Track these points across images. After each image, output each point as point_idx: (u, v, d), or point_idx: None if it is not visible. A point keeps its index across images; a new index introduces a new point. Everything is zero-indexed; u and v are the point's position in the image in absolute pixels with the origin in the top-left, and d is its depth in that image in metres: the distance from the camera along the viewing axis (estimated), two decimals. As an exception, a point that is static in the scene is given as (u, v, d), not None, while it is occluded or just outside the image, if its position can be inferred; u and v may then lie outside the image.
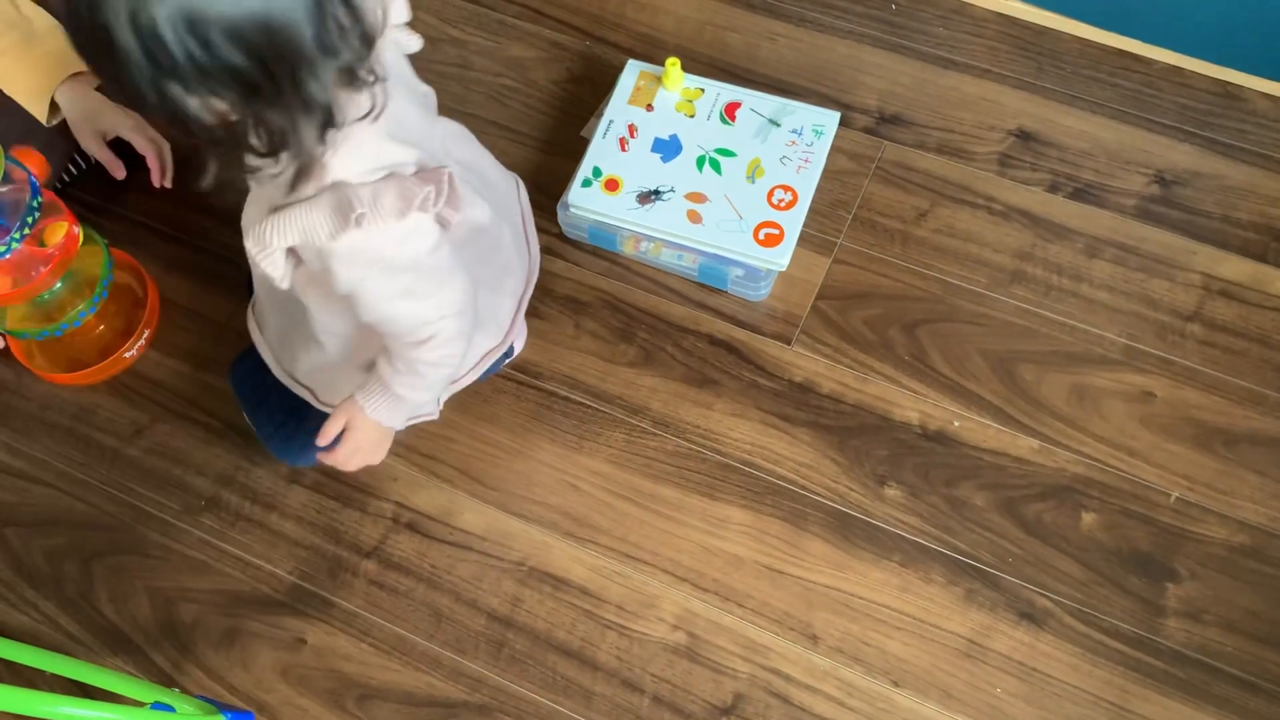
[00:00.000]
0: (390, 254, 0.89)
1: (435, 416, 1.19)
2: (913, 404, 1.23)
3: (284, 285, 0.93)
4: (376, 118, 0.84)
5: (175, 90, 0.73)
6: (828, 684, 1.10)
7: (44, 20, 1.23)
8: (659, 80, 1.36)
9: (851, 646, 1.12)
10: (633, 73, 1.38)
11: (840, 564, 1.15)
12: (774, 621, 1.13)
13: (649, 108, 1.35)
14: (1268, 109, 1.37)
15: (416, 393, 1.02)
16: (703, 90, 1.36)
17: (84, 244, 1.22)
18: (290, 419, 1.17)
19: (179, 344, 1.33)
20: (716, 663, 1.12)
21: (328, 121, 0.79)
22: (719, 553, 1.17)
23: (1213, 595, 1.12)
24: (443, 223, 0.93)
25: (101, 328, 1.31)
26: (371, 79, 0.81)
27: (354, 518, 1.21)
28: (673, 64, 1.34)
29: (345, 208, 0.84)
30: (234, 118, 0.77)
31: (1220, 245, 1.29)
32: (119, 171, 1.33)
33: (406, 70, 0.98)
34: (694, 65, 1.43)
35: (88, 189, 1.40)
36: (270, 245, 0.86)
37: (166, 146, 1.33)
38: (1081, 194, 1.33)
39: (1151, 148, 1.35)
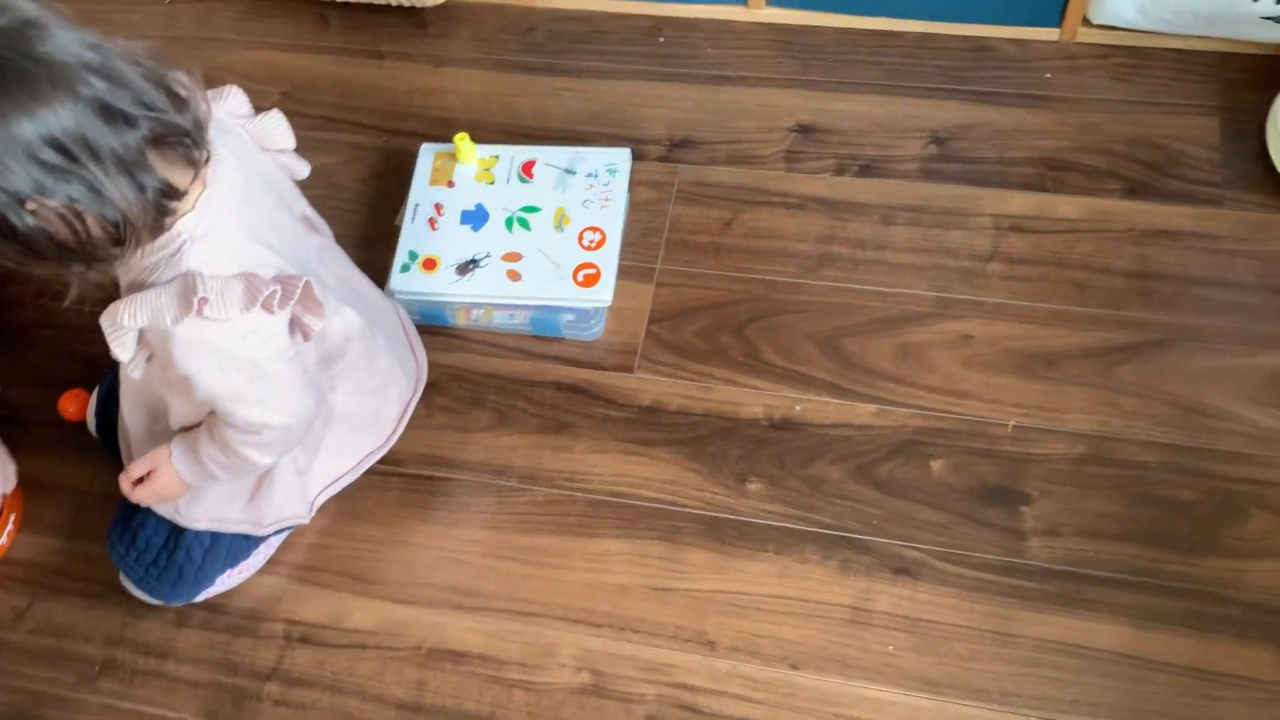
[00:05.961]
0: (228, 349, 0.93)
1: (305, 520, 1.21)
2: (755, 400, 1.28)
3: (135, 375, 0.97)
4: (205, 180, 0.91)
5: (15, 212, 0.80)
6: (732, 684, 1.13)
7: None
8: (453, 156, 1.41)
9: (746, 643, 1.15)
10: (428, 155, 1.43)
11: (720, 567, 1.19)
12: (670, 638, 1.16)
13: (450, 184, 1.40)
14: (1016, 53, 1.47)
15: (217, 469, 1.04)
16: (497, 156, 1.41)
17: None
18: (160, 554, 1.18)
19: (45, 520, 1.32)
20: (624, 692, 1.14)
21: (166, 190, 0.86)
22: (605, 586, 1.20)
23: (1065, 508, 1.18)
24: (305, 332, 0.98)
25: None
26: (188, 141, 0.87)
27: (247, 645, 1.22)
28: (461, 139, 1.39)
29: (189, 292, 0.89)
30: (74, 216, 0.82)
31: (1002, 185, 1.37)
32: None
33: (289, 188, 1.05)
34: (489, 134, 1.48)
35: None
36: (122, 325, 0.91)
37: None
38: (867, 170, 1.41)
39: (921, 112, 1.44)
